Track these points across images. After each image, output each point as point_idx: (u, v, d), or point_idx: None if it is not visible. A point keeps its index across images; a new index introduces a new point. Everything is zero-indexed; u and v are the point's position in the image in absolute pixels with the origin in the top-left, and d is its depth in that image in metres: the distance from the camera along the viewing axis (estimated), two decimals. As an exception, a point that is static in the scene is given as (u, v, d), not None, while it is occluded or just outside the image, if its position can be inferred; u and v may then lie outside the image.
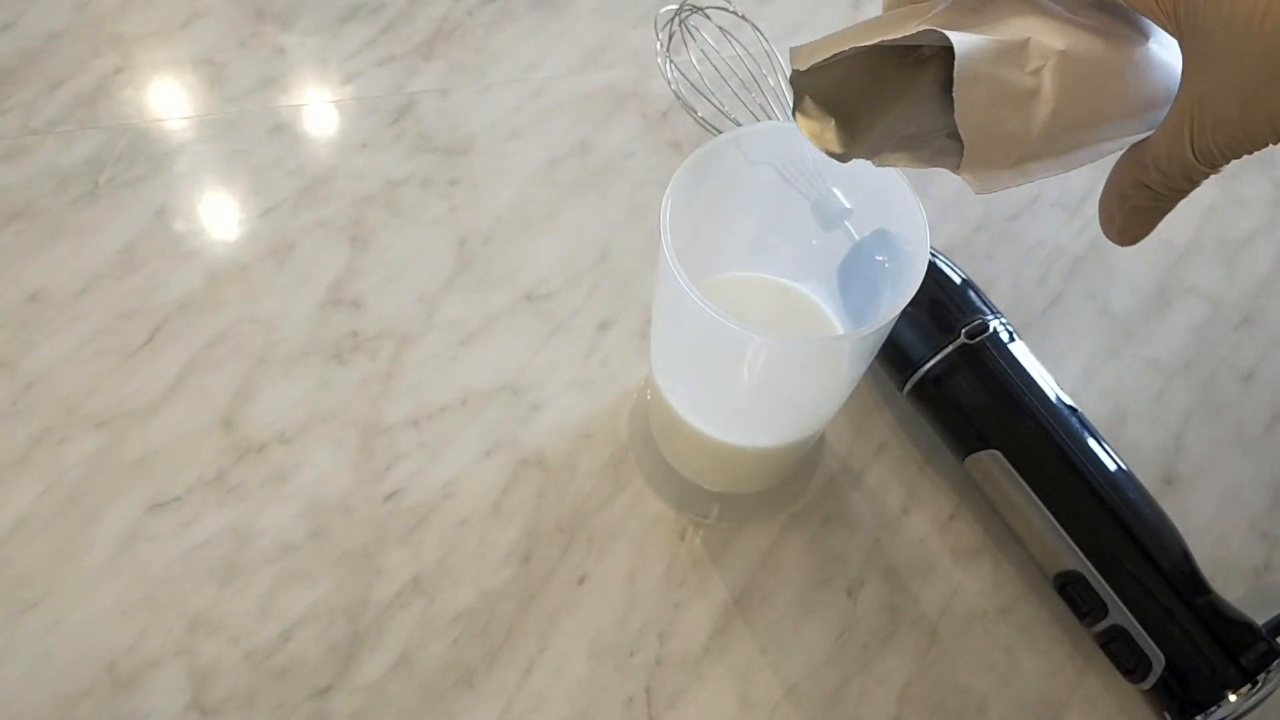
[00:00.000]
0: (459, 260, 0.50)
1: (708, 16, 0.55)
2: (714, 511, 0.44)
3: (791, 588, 0.43)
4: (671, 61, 0.54)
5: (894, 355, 0.45)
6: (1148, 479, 0.42)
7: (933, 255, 0.45)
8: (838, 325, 0.41)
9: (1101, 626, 0.40)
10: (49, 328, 0.47)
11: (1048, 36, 0.26)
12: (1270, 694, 0.37)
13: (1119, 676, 0.40)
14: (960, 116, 0.25)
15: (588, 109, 0.56)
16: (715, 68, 0.54)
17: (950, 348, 0.43)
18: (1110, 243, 0.29)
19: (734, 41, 0.55)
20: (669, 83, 0.53)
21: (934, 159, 0.28)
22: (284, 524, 0.43)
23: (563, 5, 0.60)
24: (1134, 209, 0.27)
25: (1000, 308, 0.45)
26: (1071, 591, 0.41)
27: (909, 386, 0.44)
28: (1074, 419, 0.42)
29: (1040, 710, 0.41)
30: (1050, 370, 0.43)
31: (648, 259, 0.51)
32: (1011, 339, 0.43)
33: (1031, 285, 0.52)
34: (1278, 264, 0.54)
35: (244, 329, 0.47)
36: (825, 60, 0.27)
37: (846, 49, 0.27)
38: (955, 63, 0.25)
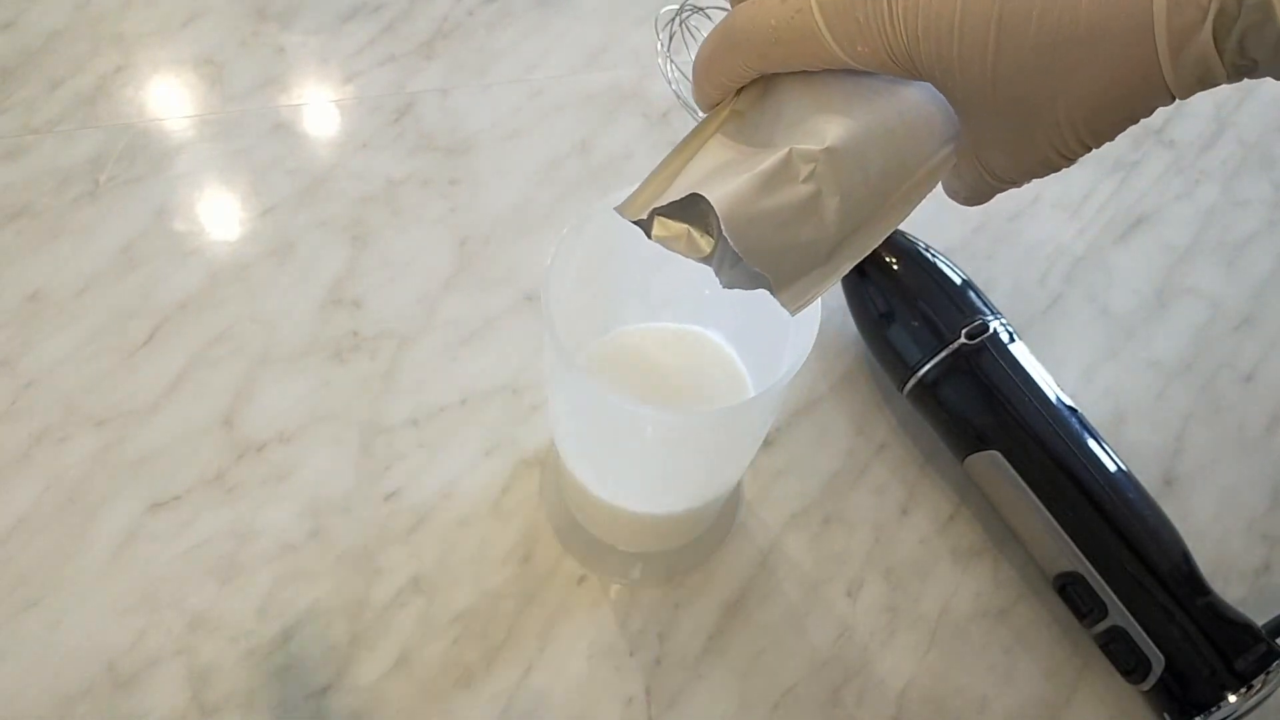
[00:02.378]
0: (459, 260, 0.50)
1: (708, 16, 0.55)
2: (636, 572, 0.43)
3: (791, 588, 0.43)
4: (672, 61, 0.54)
5: (894, 356, 0.45)
6: (1147, 479, 0.42)
7: (933, 256, 0.46)
8: (744, 371, 0.39)
9: (1101, 627, 0.40)
10: (49, 327, 0.46)
11: (813, 134, 0.25)
12: (1270, 695, 0.37)
13: (1119, 677, 0.40)
14: (749, 258, 0.25)
15: (588, 109, 0.56)
16: (716, 68, 0.54)
17: (950, 348, 0.43)
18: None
19: (734, 41, 0.54)
20: (669, 83, 0.53)
21: (758, 279, 0.27)
22: (284, 524, 0.43)
23: (564, 5, 0.60)
24: (966, 197, 0.28)
25: (1000, 308, 0.45)
26: (1071, 592, 0.41)
27: (909, 387, 0.44)
28: (1074, 419, 0.42)
29: (1040, 710, 0.41)
30: (1050, 371, 0.43)
31: (648, 259, 0.50)
32: (1011, 340, 0.43)
33: (1031, 286, 0.52)
34: (1278, 265, 0.54)
35: (244, 328, 0.47)
36: (641, 215, 0.27)
37: (654, 206, 0.27)
38: (721, 222, 0.24)
